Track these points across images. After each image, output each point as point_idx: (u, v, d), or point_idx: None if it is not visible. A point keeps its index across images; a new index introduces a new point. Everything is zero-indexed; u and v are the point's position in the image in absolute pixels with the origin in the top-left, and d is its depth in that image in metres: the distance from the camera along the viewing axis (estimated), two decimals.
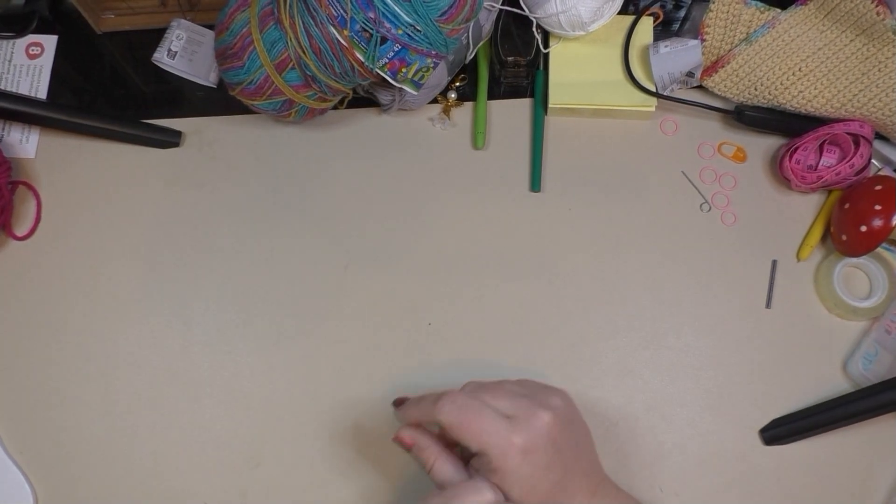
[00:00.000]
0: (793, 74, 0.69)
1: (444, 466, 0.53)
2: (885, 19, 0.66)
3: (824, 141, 0.70)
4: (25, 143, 0.74)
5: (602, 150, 0.74)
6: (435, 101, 0.74)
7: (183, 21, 0.75)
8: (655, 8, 0.75)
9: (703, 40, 0.73)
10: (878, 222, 0.64)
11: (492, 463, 0.49)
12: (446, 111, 0.74)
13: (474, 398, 0.51)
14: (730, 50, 0.72)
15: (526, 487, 0.50)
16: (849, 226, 0.66)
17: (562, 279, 0.70)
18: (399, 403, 0.57)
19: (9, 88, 0.75)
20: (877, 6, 0.66)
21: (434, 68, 0.63)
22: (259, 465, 0.65)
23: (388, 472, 0.65)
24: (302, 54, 0.61)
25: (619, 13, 0.73)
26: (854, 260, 0.69)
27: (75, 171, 0.73)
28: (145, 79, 0.77)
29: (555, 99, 0.72)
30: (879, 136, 0.71)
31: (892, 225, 0.64)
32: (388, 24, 0.58)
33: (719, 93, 0.73)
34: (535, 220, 0.71)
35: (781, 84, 0.69)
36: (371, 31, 0.58)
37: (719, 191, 0.72)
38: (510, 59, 0.72)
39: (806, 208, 0.72)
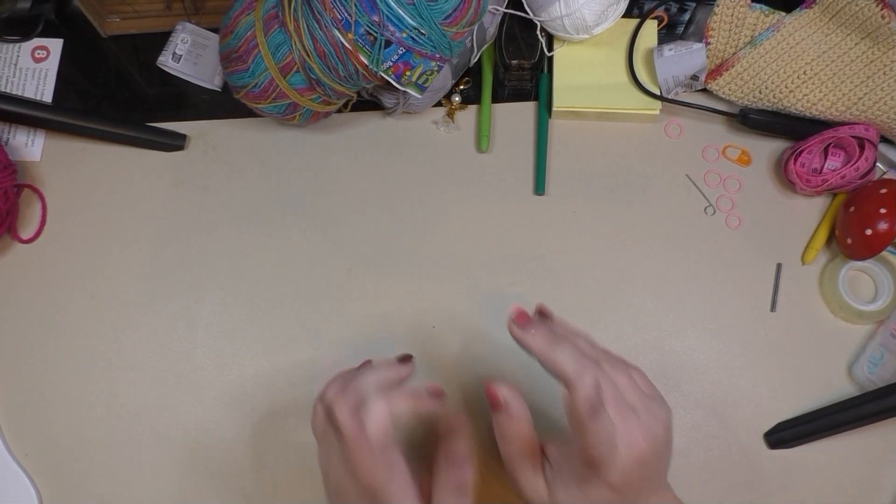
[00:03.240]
0: (797, 77, 0.69)
1: (525, 446, 0.50)
2: (890, 22, 0.66)
3: (829, 144, 0.70)
4: (31, 146, 0.74)
5: (606, 153, 0.73)
6: (439, 104, 0.74)
7: (188, 24, 0.75)
8: (660, 11, 0.75)
9: (707, 43, 0.73)
10: (883, 226, 0.64)
11: (592, 463, 0.46)
12: (450, 114, 0.74)
13: (627, 377, 0.47)
14: (734, 53, 0.72)
15: (603, 500, 0.47)
16: (854, 229, 0.66)
17: (566, 282, 0.70)
18: (521, 320, 0.50)
19: (14, 92, 0.76)
20: (882, 9, 0.66)
21: (438, 71, 0.63)
22: (264, 467, 0.65)
23: None
24: (306, 57, 0.61)
25: (624, 16, 0.73)
26: (859, 263, 0.68)
27: (80, 175, 0.74)
28: (150, 82, 0.77)
29: (559, 102, 0.72)
30: (884, 140, 0.71)
31: None
32: (392, 28, 0.58)
33: (724, 96, 0.73)
34: (538, 223, 0.71)
35: (786, 87, 0.69)
36: (375, 34, 0.58)
37: (724, 194, 0.72)
38: (514, 62, 0.72)
39: (811, 211, 0.72)
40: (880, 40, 0.68)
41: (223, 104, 0.75)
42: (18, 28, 0.77)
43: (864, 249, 0.66)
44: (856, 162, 0.68)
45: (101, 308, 0.69)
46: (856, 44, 0.69)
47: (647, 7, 0.75)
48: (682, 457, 0.65)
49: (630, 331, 0.68)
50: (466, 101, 0.75)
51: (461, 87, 0.75)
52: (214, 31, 0.75)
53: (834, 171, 0.69)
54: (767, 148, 0.73)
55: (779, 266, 0.70)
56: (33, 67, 0.77)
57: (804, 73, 0.69)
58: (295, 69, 0.62)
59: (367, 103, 0.74)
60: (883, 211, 0.65)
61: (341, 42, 0.59)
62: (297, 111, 0.66)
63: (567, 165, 0.73)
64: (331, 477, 0.50)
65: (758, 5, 0.72)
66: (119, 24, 0.77)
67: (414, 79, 0.62)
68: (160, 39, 0.75)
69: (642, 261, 0.70)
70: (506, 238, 0.71)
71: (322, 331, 0.69)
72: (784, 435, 0.65)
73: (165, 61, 0.74)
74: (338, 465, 0.49)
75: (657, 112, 0.72)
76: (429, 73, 0.62)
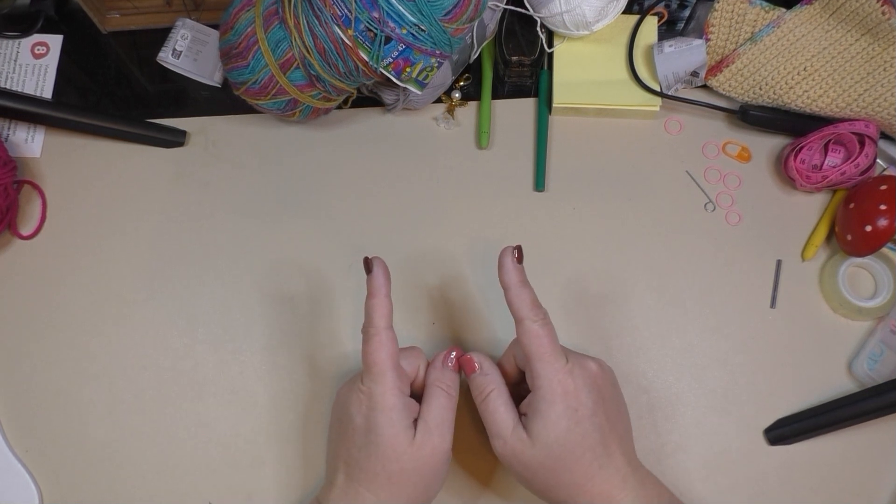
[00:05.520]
0: (797, 74, 0.69)
1: (500, 399, 0.55)
2: (890, 18, 0.66)
3: (829, 140, 0.70)
4: (31, 142, 0.74)
5: (606, 149, 0.73)
6: (439, 100, 0.74)
7: (188, 20, 0.75)
8: (660, 7, 0.75)
9: (707, 40, 0.73)
10: (883, 222, 0.64)
11: (542, 389, 0.52)
12: (450, 111, 0.74)
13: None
14: (734, 49, 0.72)
15: (573, 421, 0.51)
16: (854, 225, 0.66)
17: (565, 278, 0.70)
18: (519, 256, 0.56)
19: (14, 88, 0.76)
20: (882, 5, 0.66)
21: (438, 68, 0.63)
22: (264, 464, 0.65)
23: None
24: (306, 54, 0.61)
25: (624, 12, 0.73)
26: (859, 259, 0.68)
27: (80, 171, 0.73)
28: (150, 78, 0.77)
29: (559, 98, 0.72)
30: (884, 136, 0.71)
31: None
32: (392, 24, 0.58)
33: (724, 92, 0.73)
34: (538, 219, 0.71)
35: (786, 83, 0.69)
36: (375, 30, 0.58)
37: (724, 190, 0.72)
38: (514, 58, 0.72)
39: (811, 208, 0.72)
40: (881, 36, 0.68)
41: (223, 100, 0.75)
42: (18, 24, 0.77)
43: (864, 246, 0.66)
44: (856, 158, 0.68)
45: (102, 304, 0.69)
46: (856, 40, 0.69)
47: (647, 3, 0.75)
48: (682, 453, 0.65)
49: (629, 327, 0.68)
50: (466, 98, 0.75)
51: (461, 83, 0.75)
52: (214, 27, 0.75)
53: (834, 167, 0.69)
54: (767, 144, 0.73)
55: (779, 262, 0.70)
56: (33, 63, 0.77)
57: (804, 69, 0.69)
58: (295, 65, 0.62)
59: (367, 100, 0.74)
60: (883, 207, 0.65)
61: (341, 38, 0.59)
62: (297, 108, 0.66)
63: (567, 162, 0.73)
64: (340, 390, 0.58)
65: (758, 1, 0.72)
66: (119, 20, 0.77)
67: (414, 75, 0.62)
68: (160, 36, 0.75)
69: (642, 257, 0.70)
70: (506, 235, 0.71)
71: (322, 327, 0.69)
72: (784, 431, 0.65)
73: (165, 57, 0.74)
74: (352, 378, 0.57)
75: (657, 108, 0.72)
76: (429, 69, 0.62)
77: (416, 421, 0.54)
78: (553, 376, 0.52)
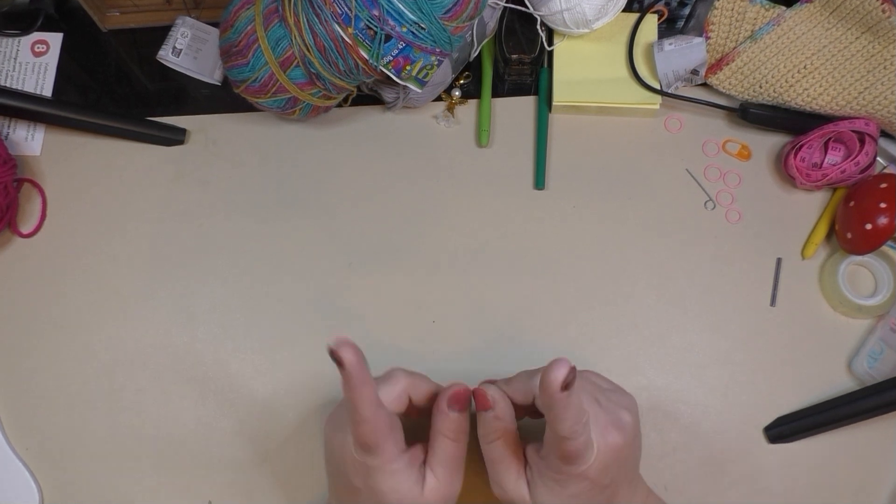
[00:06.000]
0: (798, 72, 0.69)
1: (507, 448, 0.51)
2: (891, 17, 0.66)
3: (829, 139, 0.70)
4: (31, 140, 0.74)
5: (606, 147, 0.73)
6: (439, 98, 0.74)
7: (188, 18, 0.75)
8: (660, 5, 0.75)
9: (707, 38, 0.72)
10: (883, 220, 0.64)
11: (561, 474, 0.48)
12: (450, 109, 0.74)
13: (582, 379, 0.50)
14: (734, 47, 0.72)
15: (581, 496, 0.49)
16: (854, 224, 0.66)
17: (565, 277, 0.70)
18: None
19: (14, 86, 0.76)
20: (882, 3, 0.66)
21: (438, 66, 0.63)
22: (264, 461, 0.65)
23: None
24: (306, 52, 0.61)
25: (624, 11, 0.73)
26: (859, 258, 0.68)
27: (80, 169, 0.73)
28: (150, 76, 0.77)
29: (559, 96, 0.72)
30: (885, 134, 0.71)
31: None
32: (392, 22, 0.58)
33: (724, 90, 0.73)
34: (538, 217, 0.71)
35: (786, 81, 0.69)
36: (375, 28, 0.58)
37: (724, 188, 0.72)
38: (514, 56, 0.72)
39: (811, 206, 0.72)
40: (881, 35, 0.68)
41: (223, 98, 0.75)
42: (18, 22, 0.77)
43: (864, 244, 0.66)
44: (856, 156, 0.68)
45: (102, 302, 0.69)
46: (856, 38, 0.69)
47: (647, 1, 0.75)
48: (683, 451, 0.65)
49: (629, 325, 0.68)
50: (466, 96, 0.75)
51: (461, 81, 0.75)
52: (214, 25, 0.75)
53: (834, 165, 0.69)
54: (768, 142, 0.73)
55: (779, 261, 0.70)
56: (33, 62, 0.76)
57: (805, 67, 0.69)
58: (295, 63, 0.62)
59: (367, 98, 0.74)
60: (883, 205, 0.65)
61: (341, 36, 0.59)
62: (297, 105, 0.66)
63: (567, 160, 0.73)
64: (329, 436, 0.53)
65: None
66: (119, 18, 0.77)
67: (414, 73, 0.62)
68: (160, 34, 0.75)
69: (642, 255, 0.70)
70: (505, 233, 0.71)
71: (322, 325, 0.69)
72: (784, 429, 0.65)
73: (165, 55, 0.74)
74: (340, 419, 0.52)
75: (657, 106, 0.72)
76: (429, 67, 0.62)
77: (422, 453, 0.52)
78: (585, 444, 0.47)
